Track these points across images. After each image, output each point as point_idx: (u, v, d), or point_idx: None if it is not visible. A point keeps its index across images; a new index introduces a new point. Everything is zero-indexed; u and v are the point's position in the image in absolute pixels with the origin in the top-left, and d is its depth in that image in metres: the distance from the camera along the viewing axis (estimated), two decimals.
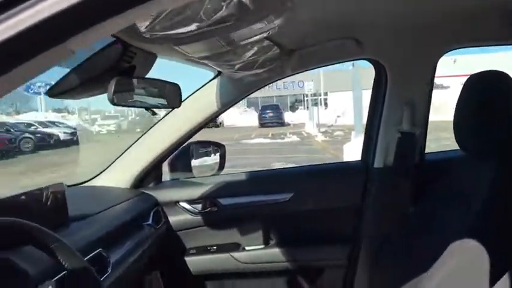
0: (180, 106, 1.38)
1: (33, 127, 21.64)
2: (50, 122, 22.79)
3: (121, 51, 1.11)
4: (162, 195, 1.98)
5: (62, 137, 19.87)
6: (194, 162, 2.10)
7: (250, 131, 22.72)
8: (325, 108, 30.35)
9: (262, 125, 26.47)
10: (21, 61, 0.47)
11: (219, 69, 1.68)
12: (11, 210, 1.12)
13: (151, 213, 1.86)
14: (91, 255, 1.29)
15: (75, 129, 19.68)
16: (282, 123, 26.87)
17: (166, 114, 1.97)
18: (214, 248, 2.00)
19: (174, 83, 1.30)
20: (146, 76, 1.31)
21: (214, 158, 2.17)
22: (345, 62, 1.92)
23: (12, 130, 20.38)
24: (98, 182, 1.95)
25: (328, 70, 26.62)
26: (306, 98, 31.37)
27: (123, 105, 1.12)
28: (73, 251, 0.99)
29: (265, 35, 1.22)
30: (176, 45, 1.10)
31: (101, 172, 1.99)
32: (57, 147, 16.47)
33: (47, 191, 1.30)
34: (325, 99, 32.55)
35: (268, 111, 27.64)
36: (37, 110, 31.22)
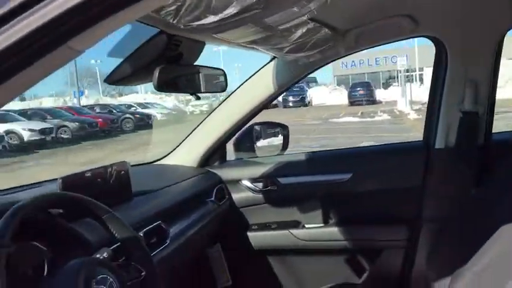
0: (225, 90, 1.45)
1: (133, 108, 23.19)
2: (148, 103, 24.26)
3: (166, 40, 1.20)
4: (226, 173, 2.09)
5: (159, 117, 21.08)
6: (257, 143, 2.18)
7: (339, 110, 22.37)
8: (421, 85, 28.86)
9: (352, 103, 25.91)
10: (31, 62, 0.56)
11: (270, 53, 1.73)
12: (77, 186, 1.28)
13: (215, 190, 1.98)
14: (150, 227, 1.43)
15: (170, 110, 20.72)
16: (372, 101, 26.08)
17: (227, 97, 2.07)
18: (275, 225, 2.07)
19: (219, 69, 1.37)
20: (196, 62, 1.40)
21: (278, 139, 2.24)
22: (402, 40, 1.87)
23: (114, 111, 22.03)
24: (167, 161, 2.11)
25: (423, 44, 25.26)
26: (399, 74, 30.06)
27: (169, 91, 1.21)
28: (123, 223, 1.11)
29: (305, 18, 1.25)
30: (214, 33, 1.16)
31: (171, 152, 2.14)
32: (154, 127, 17.51)
33: (111, 168, 1.46)
34: (421, 75, 31.00)
35: (358, 88, 26.95)
36: (137, 92, 33.32)
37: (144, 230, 1.39)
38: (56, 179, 1.29)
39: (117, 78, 1.26)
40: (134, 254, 1.10)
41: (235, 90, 2.05)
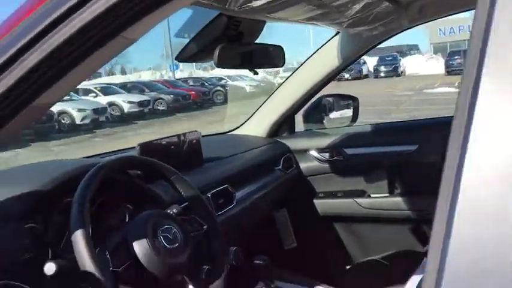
0: (283, 66, 1.55)
1: (223, 81, 23.86)
2: (238, 75, 24.79)
3: (226, 21, 1.33)
4: (294, 143, 2.20)
5: (248, 89, 21.50)
6: (326, 114, 2.26)
7: (435, 80, 21.24)
8: None
9: (449, 72, 24.41)
10: (92, 52, 0.69)
11: (330, 28, 1.79)
12: (154, 152, 1.47)
13: (283, 159, 2.11)
14: (217, 189, 1.60)
15: (259, 82, 21.01)
16: None
17: (295, 71, 2.16)
18: (341, 193, 2.16)
19: (277, 45, 1.48)
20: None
21: (347, 111, 2.30)
22: (469, 10, 1.82)
23: (206, 84, 22.85)
24: (238, 132, 2.27)
25: None
26: None
27: (228, 68, 1.35)
28: (189, 184, 1.28)
29: None
30: (267, 13, 1.27)
31: (243, 123, 2.29)
32: (242, 99, 17.93)
33: (184, 137, 1.64)
34: None
35: (456, 57, 25.25)
36: None
37: (212, 191, 1.56)
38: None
39: (186, 56, 1.42)
40: (198, 211, 1.26)
41: (303, 63, 2.14)
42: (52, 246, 1.20)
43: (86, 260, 0.93)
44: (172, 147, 1.59)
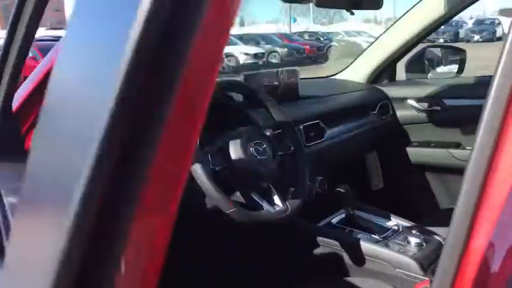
0: (381, 7, 1.61)
1: (339, 36, 23.36)
2: (354, 31, 24.11)
3: None
4: (393, 91, 2.26)
5: (364, 45, 20.82)
6: (429, 65, 2.27)
7: None
8: None
9: None
10: None
11: None
12: (254, 81, 1.65)
13: (379, 105, 2.18)
14: (309, 123, 1.75)
15: (376, 38, 20.22)
16: None
17: (399, 18, 2.18)
18: (435, 143, 2.19)
19: None
20: None
21: (452, 62, 2.28)
22: None
23: (321, 38, 22.57)
24: (338, 77, 2.37)
25: None
26: None
27: (326, 7, 1.47)
28: (281, 110, 1.44)
29: None
30: None
31: (344, 69, 2.39)
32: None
33: (283, 73, 1.80)
34: None
35: None
36: (346, 20, 33.12)
37: (304, 124, 1.72)
38: None
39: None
40: (288, 136, 1.43)
41: (408, 11, 2.15)
42: None
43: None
44: (272, 79, 1.76)
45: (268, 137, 1.34)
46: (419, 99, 2.20)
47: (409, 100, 2.23)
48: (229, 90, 1.40)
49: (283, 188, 1.35)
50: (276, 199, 1.30)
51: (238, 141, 1.25)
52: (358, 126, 2.04)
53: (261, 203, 1.24)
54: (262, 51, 18.58)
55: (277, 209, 1.26)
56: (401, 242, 1.51)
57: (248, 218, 1.18)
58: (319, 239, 1.55)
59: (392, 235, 1.55)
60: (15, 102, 1.16)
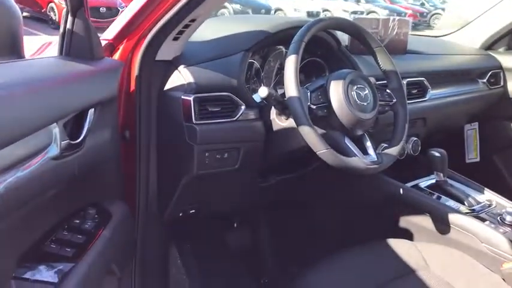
0: None
1: (446, 4, 21.70)
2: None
3: None
4: (508, 61, 2.06)
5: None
6: None
7: None
8: None
9: None
10: None
11: None
12: (363, 24, 1.56)
13: (490, 73, 2.01)
14: (413, 79, 1.65)
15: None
16: None
17: None
18: None
19: None
20: None
21: None
22: None
23: (426, 4, 21.13)
24: (450, 38, 2.20)
25: None
26: None
27: None
28: (389, 57, 1.34)
29: None
30: None
31: (457, 30, 2.21)
32: None
33: (394, 21, 1.69)
34: None
35: None
36: None
37: (408, 79, 1.62)
38: None
39: None
40: (391, 84, 1.35)
41: None
42: (266, 80, 1.45)
43: (291, 88, 1.12)
44: (381, 27, 1.66)
45: (372, 84, 1.27)
46: None
47: None
48: (337, 28, 1.33)
49: (376, 140, 1.30)
50: (370, 148, 1.25)
51: (340, 81, 1.20)
52: (463, 92, 1.90)
53: (353, 149, 1.20)
54: (361, 10, 17.79)
55: (370, 159, 1.21)
56: (492, 218, 1.41)
57: (339, 162, 1.14)
58: (404, 199, 1.49)
59: (483, 209, 1.45)
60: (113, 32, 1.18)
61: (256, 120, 1.30)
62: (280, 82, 1.47)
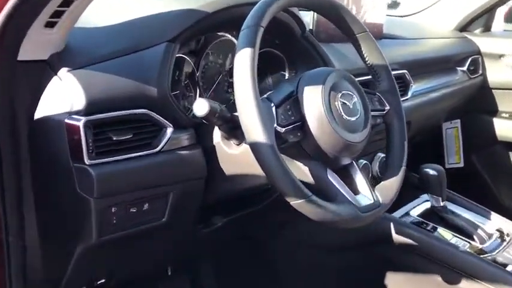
0: None
1: None
2: None
3: None
4: (487, 45, 1.77)
5: None
6: None
7: None
8: None
9: None
10: None
11: None
12: None
13: (469, 60, 1.69)
14: (395, 72, 1.27)
15: None
16: None
17: None
18: None
19: None
20: None
21: None
22: None
23: None
24: (420, 17, 1.84)
25: None
26: None
27: None
28: (378, 47, 0.94)
29: None
30: None
31: (428, 7, 1.85)
32: None
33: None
34: None
35: None
36: None
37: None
38: None
39: None
40: (382, 85, 0.96)
41: None
42: (205, 85, 1.00)
43: (246, 99, 0.69)
44: (351, 4, 1.26)
45: (360, 88, 0.86)
46: None
47: (505, 57, 1.72)
48: (307, 5, 0.90)
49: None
50: (361, 183, 0.84)
51: (318, 88, 0.78)
52: (445, 84, 1.57)
53: (341, 189, 0.79)
54: None
55: (364, 201, 0.81)
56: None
57: (324, 215, 0.73)
58: (395, 239, 1.11)
59: (498, 246, 1.10)
60: None
61: (191, 147, 0.85)
62: (226, 89, 1.03)
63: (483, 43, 1.76)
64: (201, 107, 0.73)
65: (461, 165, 1.67)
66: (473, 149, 1.75)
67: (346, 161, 0.84)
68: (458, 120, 1.69)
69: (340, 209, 0.76)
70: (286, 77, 1.08)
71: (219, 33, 0.99)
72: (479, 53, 1.75)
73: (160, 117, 0.80)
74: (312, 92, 0.78)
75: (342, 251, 1.20)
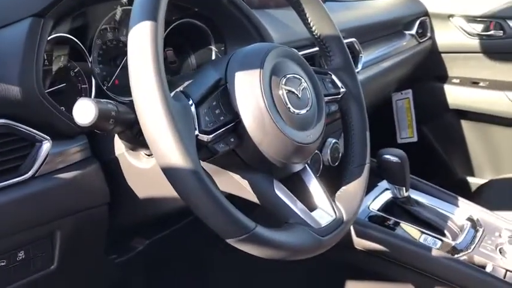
0: None
1: None
2: None
3: None
4: (435, 4, 1.60)
5: None
6: None
7: None
8: None
9: None
10: None
11: None
12: None
13: (417, 23, 1.53)
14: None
15: None
16: None
17: None
18: (487, 82, 1.58)
19: None
20: None
21: None
22: None
23: None
24: None
25: None
26: None
27: None
28: (326, 11, 0.74)
29: None
30: None
31: None
32: None
33: None
34: None
35: None
36: None
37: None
38: None
39: None
40: (334, 61, 0.76)
41: None
42: (100, 74, 0.74)
43: (148, 94, 0.46)
44: None
45: (309, 68, 0.65)
46: (470, 18, 1.55)
47: (455, 18, 1.57)
48: None
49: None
50: (318, 195, 0.64)
51: (255, 72, 0.56)
52: (393, 52, 1.40)
53: (294, 208, 0.58)
54: None
55: (324, 220, 0.61)
56: (489, 252, 0.92)
57: (273, 251, 0.52)
58: (356, 240, 0.93)
59: (473, 240, 0.95)
60: None
61: (84, 164, 0.61)
62: (121, 80, 0.78)
63: (431, 3, 1.61)
64: (83, 111, 0.49)
65: (415, 139, 1.53)
66: (425, 120, 1.61)
67: (297, 167, 0.64)
68: (410, 91, 1.54)
69: (294, 237, 0.56)
70: (213, 56, 0.85)
71: (109, 2, 0.73)
72: (426, 13, 1.59)
73: (29, 128, 0.55)
74: (247, 78, 0.56)
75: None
